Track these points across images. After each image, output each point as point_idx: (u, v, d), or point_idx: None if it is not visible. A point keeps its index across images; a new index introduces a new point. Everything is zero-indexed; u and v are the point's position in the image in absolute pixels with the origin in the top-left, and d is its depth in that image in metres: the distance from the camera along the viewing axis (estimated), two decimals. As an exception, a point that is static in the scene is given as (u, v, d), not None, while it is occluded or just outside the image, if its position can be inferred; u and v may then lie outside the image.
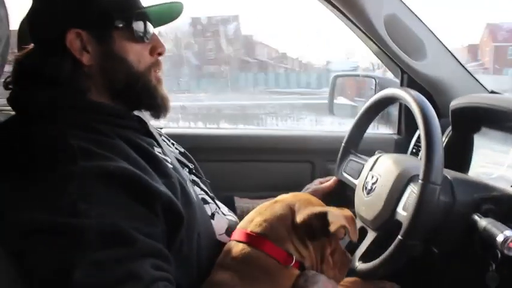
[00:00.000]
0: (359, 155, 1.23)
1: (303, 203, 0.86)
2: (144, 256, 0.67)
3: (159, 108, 0.90)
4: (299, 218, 0.82)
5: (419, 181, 0.88)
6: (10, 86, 0.85)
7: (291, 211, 0.84)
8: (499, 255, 0.86)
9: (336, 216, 0.81)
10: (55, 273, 0.63)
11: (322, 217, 0.81)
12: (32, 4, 0.86)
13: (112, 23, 0.83)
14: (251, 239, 0.82)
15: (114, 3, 0.84)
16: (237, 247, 0.82)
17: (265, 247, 0.81)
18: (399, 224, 0.92)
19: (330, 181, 1.26)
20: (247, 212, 1.18)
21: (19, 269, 0.65)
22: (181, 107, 2.57)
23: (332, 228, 0.79)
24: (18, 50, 0.88)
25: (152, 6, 0.89)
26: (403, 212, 0.95)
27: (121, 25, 0.84)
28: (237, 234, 0.85)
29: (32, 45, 0.86)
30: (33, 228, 0.65)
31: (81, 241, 0.64)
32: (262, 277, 0.80)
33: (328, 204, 1.23)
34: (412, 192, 0.95)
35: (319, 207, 0.84)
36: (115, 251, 0.65)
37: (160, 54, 0.90)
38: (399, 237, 0.89)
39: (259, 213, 0.86)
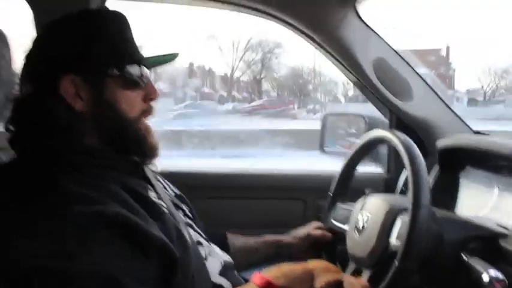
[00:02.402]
0: (347, 202, 1.25)
1: (321, 270, 0.88)
2: None
3: (146, 156, 0.92)
4: (317, 283, 0.84)
5: (410, 206, 0.92)
6: (11, 128, 0.86)
7: (310, 276, 0.86)
8: (487, 293, 0.88)
9: (352, 284, 0.84)
10: None
11: (338, 285, 0.84)
12: (30, 47, 0.88)
13: (106, 71, 0.85)
14: (267, 285, 0.83)
15: (109, 51, 0.86)
16: None
17: None
18: (394, 255, 0.93)
19: (322, 232, 1.27)
20: (240, 252, 1.20)
21: None
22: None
23: None
24: (20, 91, 0.91)
25: (149, 57, 0.92)
26: (396, 242, 0.96)
27: (115, 73, 0.85)
28: (256, 277, 0.86)
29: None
30: (25, 270, 0.66)
31: (71, 285, 0.65)
32: None
33: (319, 252, 1.25)
34: (403, 222, 0.97)
35: (336, 274, 0.87)
36: None
37: (152, 100, 0.92)
38: (395, 263, 0.91)
39: (280, 269, 0.87)
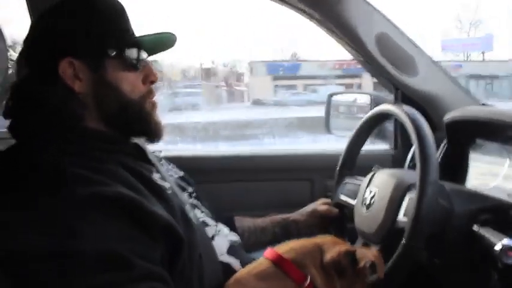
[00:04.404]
0: (355, 176, 1.25)
1: (330, 243, 0.88)
2: (142, 280, 0.67)
3: (152, 134, 0.91)
4: (328, 255, 0.84)
5: (418, 183, 0.90)
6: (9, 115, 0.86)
7: (320, 250, 0.86)
8: (499, 264, 0.87)
9: (364, 253, 0.83)
10: None
11: (351, 255, 0.83)
12: (28, 32, 0.88)
13: (105, 52, 0.84)
14: (278, 258, 0.84)
15: (107, 32, 0.85)
16: (262, 263, 0.84)
17: (286, 268, 0.82)
18: (401, 231, 0.92)
19: (328, 207, 1.26)
20: (248, 232, 1.20)
21: None
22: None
23: (361, 263, 0.81)
24: (17, 78, 0.90)
25: (145, 35, 0.90)
26: (404, 219, 0.96)
27: (114, 54, 0.85)
28: (267, 252, 0.87)
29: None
30: (32, 254, 0.65)
31: (78, 266, 0.65)
32: None
33: (327, 228, 1.25)
34: (411, 199, 0.96)
35: (348, 246, 0.86)
36: (112, 276, 0.65)
37: (152, 82, 0.91)
38: (403, 241, 0.90)
39: (289, 245, 0.88)
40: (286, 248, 0.87)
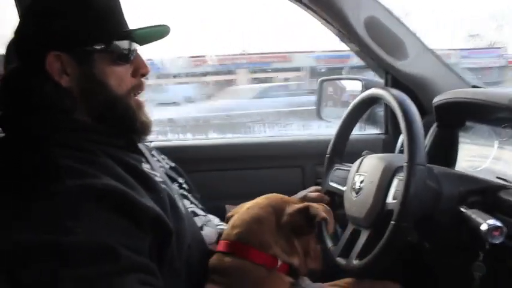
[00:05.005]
0: (344, 163, 1.25)
1: (280, 203, 0.88)
2: (130, 271, 0.67)
3: (137, 132, 0.90)
4: (285, 217, 0.83)
5: (405, 164, 0.91)
6: None
7: (274, 213, 0.85)
8: (486, 245, 0.88)
9: (317, 208, 0.85)
10: None
11: (305, 211, 0.84)
12: (17, 26, 0.87)
13: (91, 46, 0.83)
14: (234, 248, 0.83)
15: (94, 25, 0.83)
16: (222, 259, 0.83)
17: (249, 255, 0.81)
18: (391, 213, 0.93)
19: (319, 194, 1.26)
20: None
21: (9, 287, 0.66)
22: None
23: (317, 219, 0.84)
24: (4, 71, 0.89)
25: (137, 29, 0.88)
26: (393, 201, 0.96)
27: (101, 47, 0.83)
28: (221, 245, 0.86)
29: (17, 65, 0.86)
30: (20, 246, 0.65)
31: (67, 258, 0.65)
32: (252, 286, 0.81)
33: None
34: (399, 181, 0.97)
35: (300, 204, 0.87)
36: (101, 267, 0.65)
37: (143, 75, 0.90)
38: (392, 221, 0.91)
39: (238, 222, 0.87)
40: (229, 229, 0.85)
